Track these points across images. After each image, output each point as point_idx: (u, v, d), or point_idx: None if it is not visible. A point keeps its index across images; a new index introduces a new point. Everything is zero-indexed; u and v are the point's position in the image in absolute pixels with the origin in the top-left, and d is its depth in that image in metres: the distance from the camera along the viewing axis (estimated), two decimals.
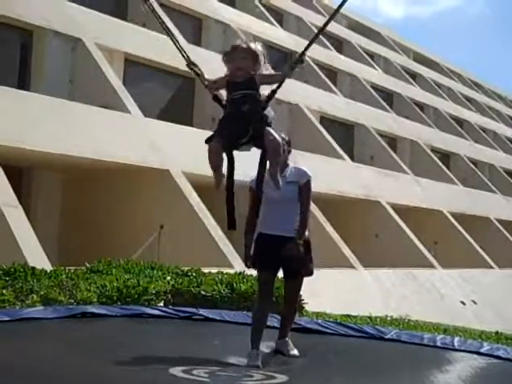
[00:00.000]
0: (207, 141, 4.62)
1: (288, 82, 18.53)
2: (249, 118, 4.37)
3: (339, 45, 31.76)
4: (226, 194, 4.56)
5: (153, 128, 15.24)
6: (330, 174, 18.21)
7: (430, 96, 34.36)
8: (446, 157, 30.16)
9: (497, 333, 9.06)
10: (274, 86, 4.65)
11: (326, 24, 4.82)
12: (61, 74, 15.72)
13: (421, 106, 32.54)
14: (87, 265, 9.00)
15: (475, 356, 5.82)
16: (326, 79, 26.21)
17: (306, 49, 4.57)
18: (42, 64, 15.74)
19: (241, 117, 4.39)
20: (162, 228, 13.64)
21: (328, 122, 23.52)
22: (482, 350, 5.95)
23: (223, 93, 4.67)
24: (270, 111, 4.50)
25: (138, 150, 14.04)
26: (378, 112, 26.91)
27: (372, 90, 28.64)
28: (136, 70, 17.84)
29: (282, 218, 5.06)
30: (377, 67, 32.09)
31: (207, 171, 15.49)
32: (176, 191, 13.95)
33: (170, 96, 19.63)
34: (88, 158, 13.26)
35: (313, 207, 16.25)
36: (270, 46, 25.13)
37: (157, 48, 18.14)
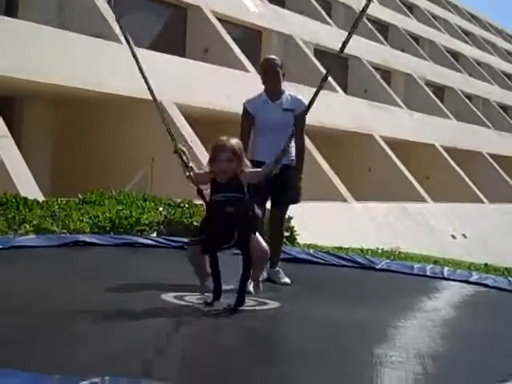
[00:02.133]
0: (188, 243, 4.49)
1: (281, 11, 18.20)
2: (234, 221, 4.08)
3: None
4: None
5: (144, 58, 14.96)
6: (323, 106, 17.99)
7: (426, 28, 33.84)
8: (440, 90, 29.93)
9: (485, 265, 9.20)
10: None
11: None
12: (49, 1, 15.36)
13: (416, 38, 32.09)
14: (79, 196, 9.00)
15: (464, 285, 5.91)
16: (321, 10, 25.73)
17: (288, 144, 4.73)
18: None
19: (224, 220, 4.09)
20: (153, 160, 13.60)
21: (322, 53, 23.19)
22: (470, 279, 6.05)
23: None
24: (257, 212, 4.28)
25: (129, 80, 13.72)
26: (372, 44, 26.53)
27: (367, 22, 28.15)
28: None
29: (277, 146, 4.98)
30: None
31: (199, 103, 15.36)
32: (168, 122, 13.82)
33: (161, 26, 19.26)
34: (79, 88, 13.08)
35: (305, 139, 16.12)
36: None
37: None
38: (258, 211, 4.34)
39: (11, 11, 15.13)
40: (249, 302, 4.38)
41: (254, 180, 4.27)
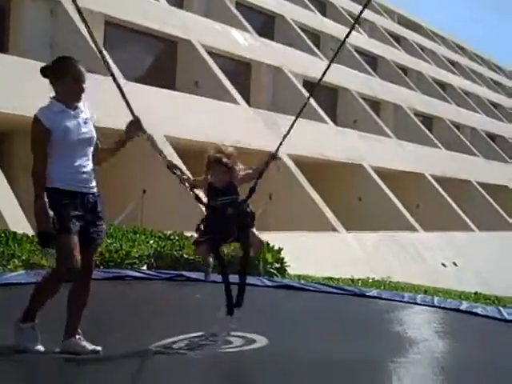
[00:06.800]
0: (194, 243, 4.95)
1: (271, 44, 18.33)
2: (233, 220, 4.68)
3: (323, 7, 31.47)
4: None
5: (134, 92, 15.07)
6: (313, 137, 18.17)
7: (414, 60, 34.27)
8: (428, 120, 30.21)
9: (476, 293, 9.22)
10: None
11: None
12: (40, 37, 15.48)
13: (404, 69, 32.47)
14: None
15: (454, 313, 5.92)
16: (310, 43, 26.03)
17: (278, 148, 4.89)
18: (21, 27, 15.48)
19: (226, 220, 4.67)
20: (144, 193, 13.62)
21: (311, 85, 23.40)
22: (461, 308, 6.06)
23: None
24: (250, 208, 4.77)
25: (119, 114, 13.84)
26: (361, 76, 26.81)
27: (356, 54, 28.50)
28: (117, 33, 17.59)
29: (84, 166, 4.26)
30: (361, 31, 31.89)
31: (189, 136, 15.42)
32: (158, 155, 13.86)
33: (152, 60, 19.43)
34: None
35: (295, 169, 16.23)
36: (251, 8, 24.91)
37: (138, 10, 17.90)
38: (252, 208, 4.76)
39: (2, 47, 15.24)
40: (235, 342, 4.35)
41: (245, 180, 4.76)
